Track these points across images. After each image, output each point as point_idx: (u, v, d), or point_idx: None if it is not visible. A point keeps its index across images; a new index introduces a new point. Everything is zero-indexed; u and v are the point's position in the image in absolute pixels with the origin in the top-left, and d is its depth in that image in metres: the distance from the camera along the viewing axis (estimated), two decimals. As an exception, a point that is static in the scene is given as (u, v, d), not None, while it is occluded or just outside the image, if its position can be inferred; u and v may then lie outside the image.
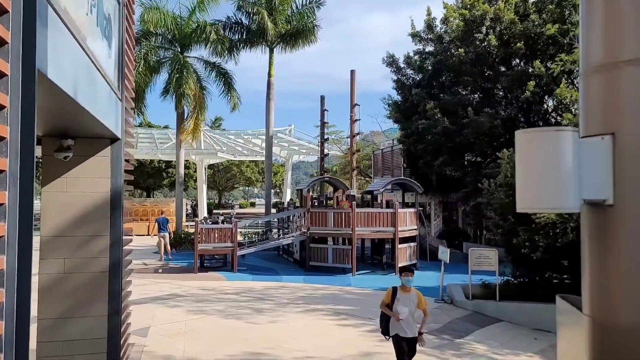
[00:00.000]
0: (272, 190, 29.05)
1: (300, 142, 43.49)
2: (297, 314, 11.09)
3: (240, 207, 66.06)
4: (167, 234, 20.60)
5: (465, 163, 24.68)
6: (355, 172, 21.21)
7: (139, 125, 45.73)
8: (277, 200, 47.62)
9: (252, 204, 76.85)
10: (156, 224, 21.10)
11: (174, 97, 21.96)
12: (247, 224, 18.73)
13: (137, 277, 15.51)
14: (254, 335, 9.27)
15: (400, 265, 16.77)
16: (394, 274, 16.58)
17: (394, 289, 6.53)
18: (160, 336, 9.00)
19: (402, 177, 18.83)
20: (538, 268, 11.88)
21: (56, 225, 3.54)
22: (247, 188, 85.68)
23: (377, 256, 19.73)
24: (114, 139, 3.67)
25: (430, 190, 24.46)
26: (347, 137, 20.67)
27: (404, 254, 17.09)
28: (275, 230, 21.09)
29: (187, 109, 23.11)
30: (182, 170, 23.86)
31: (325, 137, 23.50)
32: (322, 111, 22.57)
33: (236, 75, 24.50)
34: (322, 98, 22.68)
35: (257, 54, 36.28)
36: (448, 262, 12.64)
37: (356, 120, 20.29)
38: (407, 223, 17.25)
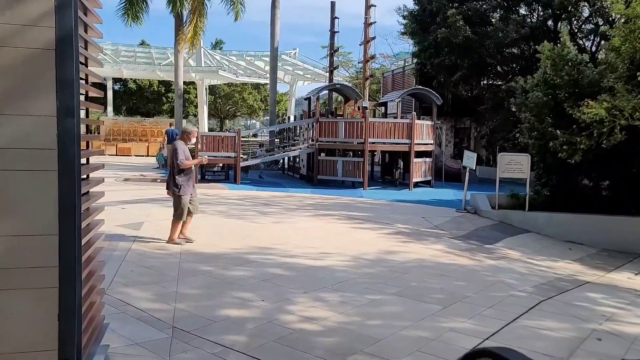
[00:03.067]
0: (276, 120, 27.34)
1: (305, 66, 41.37)
2: (306, 217, 10.09)
3: (243, 137, 64.51)
4: None
5: (483, 84, 23.13)
6: (368, 81, 19.61)
7: (139, 45, 43.44)
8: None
9: (255, 135, 75.46)
10: (165, 135, 20.34)
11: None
12: (250, 133, 17.50)
13: (133, 184, 14.53)
14: (260, 233, 8.27)
15: (415, 180, 15.71)
16: (408, 189, 15.54)
17: None
18: (155, 230, 7.98)
19: (419, 87, 17.30)
20: (574, 175, 10.76)
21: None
22: (248, 122, 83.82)
23: (387, 176, 18.63)
24: None
25: (443, 114, 23.05)
26: (360, 44, 18.87)
27: (419, 169, 15.96)
28: (280, 148, 19.95)
29: (186, 12, 21.24)
30: (181, 82, 22.28)
31: (336, 48, 21.69)
32: (332, 19, 20.66)
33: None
34: (333, 4, 20.72)
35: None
36: (474, 168, 11.48)
37: (371, 23, 18.43)
38: (424, 136, 15.99)
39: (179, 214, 7.06)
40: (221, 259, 6.41)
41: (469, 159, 11.50)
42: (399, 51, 39.89)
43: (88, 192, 3.33)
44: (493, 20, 20.81)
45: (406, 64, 29.11)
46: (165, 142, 20.37)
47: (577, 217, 10.31)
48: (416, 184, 15.97)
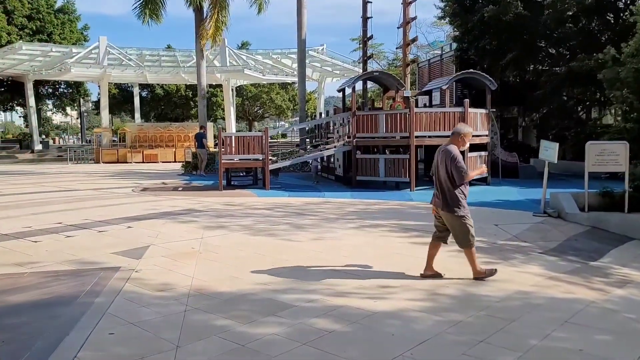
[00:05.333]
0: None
1: (334, 62, 39.45)
2: (351, 230, 8.19)
3: (271, 138, 62.86)
4: (204, 150, 18.57)
5: (535, 69, 20.68)
6: (409, 68, 17.51)
7: (164, 49, 42.24)
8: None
9: (284, 135, 73.83)
10: (195, 140, 19.26)
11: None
12: (279, 132, 15.74)
13: (151, 195, 12.96)
14: (294, 255, 6.41)
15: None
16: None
17: None
18: (161, 257, 6.24)
19: (470, 70, 15.13)
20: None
21: None
22: (277, 123, 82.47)
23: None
24: None
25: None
26: (398, 27, 16.77)
27: (474, 165, 13.81)
28: (310, 149, 18.12)
29: (206, 6, 19.70)
30: (204, 81, 20.75)
31: (369, 35, 19.67)
32: (365, 3, 18.69)
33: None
34: (364, -14, 18.73)
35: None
36: (556, 161, 9.30)
37: (411, 1, 16.37)
38: (478, 127, 13.85)
39: (469, 240, 5.16)
40: (243, 303, 4.57)
41: (548, 150, 9.33)
42: (433, 40, 37.60)
43: None
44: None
45: (444, 52, 26.90)
46: (196, 146, 19.00)
47: (694, 218, 8.10)
48: (470, 182, 13.82)
